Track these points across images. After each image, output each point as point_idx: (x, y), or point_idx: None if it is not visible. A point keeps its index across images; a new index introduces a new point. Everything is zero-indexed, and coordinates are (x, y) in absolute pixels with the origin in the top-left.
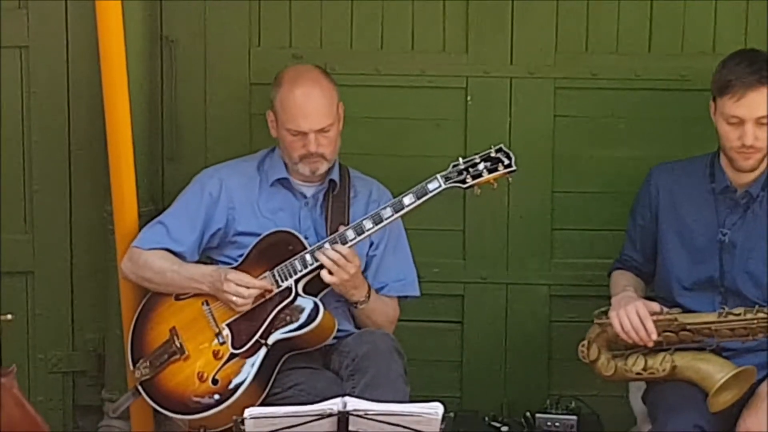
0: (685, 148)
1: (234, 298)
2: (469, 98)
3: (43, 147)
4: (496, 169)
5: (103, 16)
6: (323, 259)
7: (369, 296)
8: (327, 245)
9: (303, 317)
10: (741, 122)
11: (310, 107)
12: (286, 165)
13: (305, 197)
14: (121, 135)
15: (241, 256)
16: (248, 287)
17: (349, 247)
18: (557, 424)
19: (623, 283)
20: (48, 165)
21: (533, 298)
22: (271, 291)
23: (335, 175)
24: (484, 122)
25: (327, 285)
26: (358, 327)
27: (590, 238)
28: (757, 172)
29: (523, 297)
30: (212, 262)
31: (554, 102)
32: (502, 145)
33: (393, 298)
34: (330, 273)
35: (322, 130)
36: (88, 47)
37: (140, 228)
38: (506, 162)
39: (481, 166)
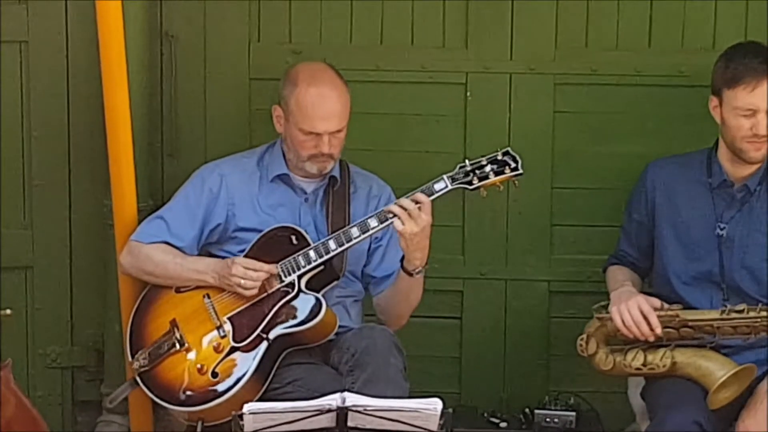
0: (685, 144)
1: (243, 281)
2: (468, 94)
3: (42, 142)
4: (502, 172)
5: (102, 12)
6: (394, 209)
7: (426, 266)
8: (403, 199)
9: (305, 313)
10: (754, 113)
11: (328, 109)
12: (286, 160)
13: (305, 193)
14: (121, 130)
15: (241, 251)
16: (256, 270)
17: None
18: (556, 420)
19: (621, 278)
20: (47, 160)
21: (532, 294)
22: (276, 275)
23: (335, 171)
24: (484, 118)
25: (329, 281)
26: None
27: (590, 234)
28: (754, 166)
29: (523, 293)
30: (211, 257)
31: (554, 98)
32: (509, 149)
33: None
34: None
35: (335, 132)
36: (87, 43)
37: (139, 223)
38: (513, 165)
39: (487, 169)
